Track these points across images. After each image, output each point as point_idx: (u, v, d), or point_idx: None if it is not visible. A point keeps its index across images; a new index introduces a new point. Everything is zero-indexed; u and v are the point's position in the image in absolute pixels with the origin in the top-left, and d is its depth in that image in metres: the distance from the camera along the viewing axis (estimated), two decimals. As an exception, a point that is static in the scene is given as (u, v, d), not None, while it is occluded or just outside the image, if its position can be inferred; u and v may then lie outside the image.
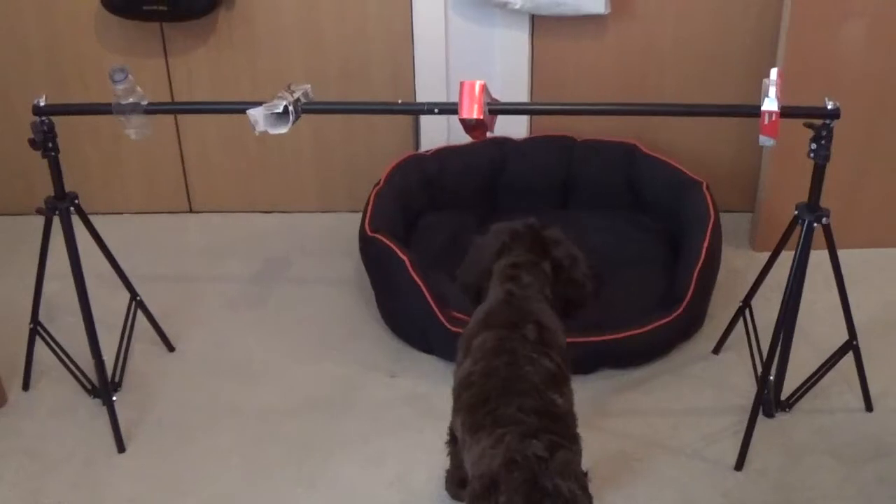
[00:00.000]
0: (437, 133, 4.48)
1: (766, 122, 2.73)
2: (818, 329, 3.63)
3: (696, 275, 3.60)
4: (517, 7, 4.11)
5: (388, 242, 3.70)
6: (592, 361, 3.53)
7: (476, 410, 2.45)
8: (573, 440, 2.41)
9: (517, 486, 2.20)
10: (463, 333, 2.78)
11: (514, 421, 2.36)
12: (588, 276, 2.95)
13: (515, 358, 2.55)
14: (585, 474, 2.36)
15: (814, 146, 2.87)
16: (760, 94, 2.75)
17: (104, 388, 3.28)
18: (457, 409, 2.60)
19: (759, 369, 3.27)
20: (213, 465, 3.18)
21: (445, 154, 4.37)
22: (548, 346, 2.63)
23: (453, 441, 2.82)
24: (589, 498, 2.29)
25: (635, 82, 4.42)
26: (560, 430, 2.38)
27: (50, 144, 3.00)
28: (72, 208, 3.14)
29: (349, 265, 4.21)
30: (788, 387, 3.33)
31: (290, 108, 2.83)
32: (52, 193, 3.12)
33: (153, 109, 2.98)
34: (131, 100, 2.93)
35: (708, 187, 3.99)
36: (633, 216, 4.25)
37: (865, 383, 3.35)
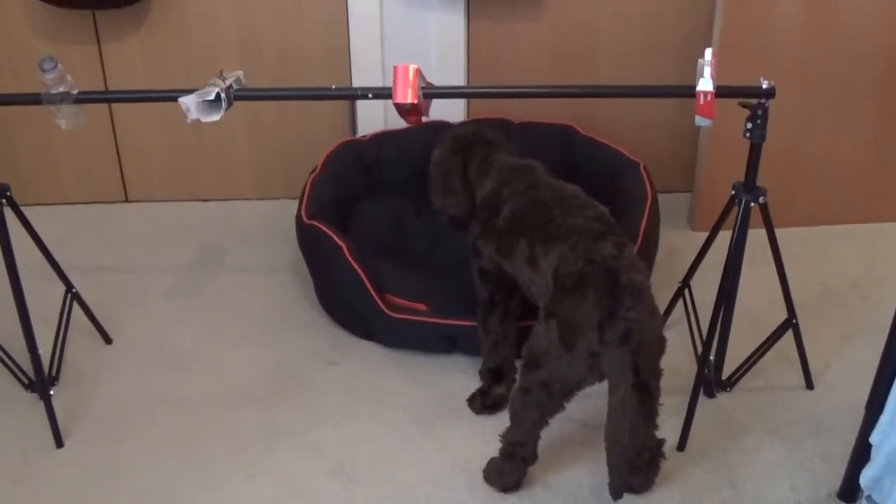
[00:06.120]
0: (374, 118, 4.47)
1: (702, 102, 2.73)
2: (758, 308, 3.65)
3: (634, 256, 3.61)
4: (452, -11, 4.11)
5: (325, 229, 3.68)
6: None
7: (546, 226, 2.87)
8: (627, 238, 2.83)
9: (601, 279, 2.61)
10: (483, 199, 3.22)
11: (583, 227, 2.80)
12: None
13: (553, 188, 3.07)
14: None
15: (749, 126, 2.88)
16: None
17: (41, 382, 3.24)
18: (515, 237, 2.99)
19: (700, 349, 3.28)
20: (153, 457, 3.15)
21: (382, 139, 4.37)
22: (561, 176, 3.19)
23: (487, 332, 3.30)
24: (649, 284, 2.71)
25: (572, 64, 4.42)
26: (618, 231, 2.83)
27: (-21, 136, 2.96)
28: (3, 200, 3.09)
29: (287, 253, 4.19)
30: (729, 366, 3.35)
31: (223, 95, 2.79)
32: (-16, 186, 3.08)
33: (83, 98, 2.93)
34: (61, 89, 2.88)
35: (645, 168, 4.00)
36: (572, 198, 4.25)
37: (805, 361, 3.37)
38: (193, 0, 4.31)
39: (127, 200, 4.78)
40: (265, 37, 4.41)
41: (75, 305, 3.57)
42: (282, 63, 4.44)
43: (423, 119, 2.92)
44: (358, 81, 4.44)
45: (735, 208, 3.05)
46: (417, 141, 4.29)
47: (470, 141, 3.34)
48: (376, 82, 4.37)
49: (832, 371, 3.47)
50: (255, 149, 4.66)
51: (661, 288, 3.74)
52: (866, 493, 2.67)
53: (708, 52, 2.75)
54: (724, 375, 3.36)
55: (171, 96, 2.84)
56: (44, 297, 3.51)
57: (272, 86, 4.29)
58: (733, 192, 3.05)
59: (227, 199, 4.76)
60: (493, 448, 2.96)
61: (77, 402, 3.38)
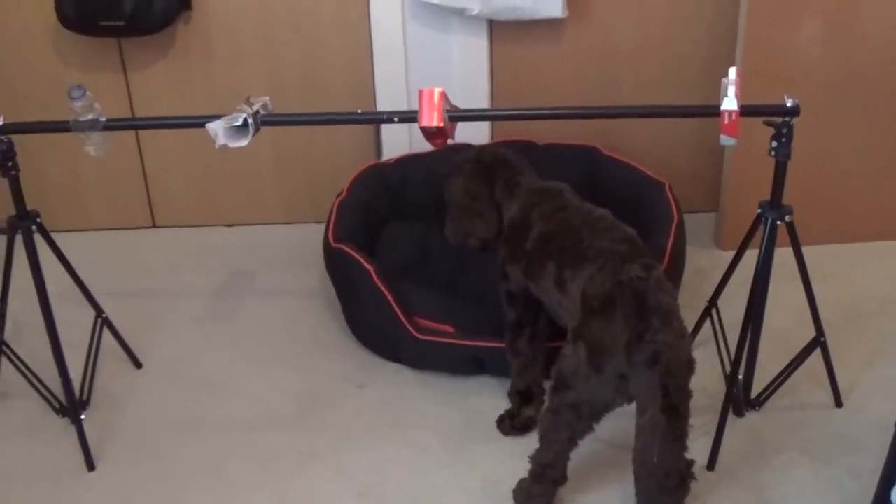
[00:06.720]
0: (399, 142, 4.49)
1: (727, 121, 2.73)
2: (785, 326, 3.64)
3: (661, 276, 3.61)
4: (475, 13, 4.12)
5: (352, 253, 3.69)
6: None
7: (574, 249, 2.89)
8: (655, 260, 2.84)
9: (628, 301, 2.61)
10: (511, 222, 3.23)
11: (610, 250, 2.80)
12: None
13: (582, 211, 3.08)
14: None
15: (775, 144, 2.88)
16: (719, 93, 2.76)
17: (72, 406, 3.25)
18: (542, 259, 3.01)
19: (728, 368, 3.28)
20: (183, 481, 3.16)
21: (407, 162, 4.38)
22: (587, 198, 3.20)
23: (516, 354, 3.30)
24: (678, 306, 2.72)
25: (594, 85, 4.43)
26: (646, 253, 2.84)
27: (10, 163, 2.97)
28: (33, 227, 3.11)
29: (314, 276, 4.20)
30: (758, 385, 3.34)
31: (250, 120, 2.81)
32: (13, 212, 3.10)
33: (112, 126, 2.95)
34: (90, 116, 2.90)
35: (671, 188, 4.00)
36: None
37: (834, 379, 3.36)
38: (217, 28, 4.34)
39: (154, 226, 4.80)
40: (289, 64, 4.43)
41: (105, 330, 3.59)
42: (306, 89, 4.46)
43: (449, 142, 2.93)
44: (382, 106, 4.45)
45: (761, 227, 3.05)
46: (443, 164, 4.29)
47: (491, 164, 3.34)
48: (400, 106, 4.38)
49: (861, 389, 3.46)
50: (281, 173, 4.68)
51: (689, 308, 3.74)
52: (897, 510, 2.67)
53: (732, 72, 2.76)
54: (753, 394, 3.35)
55: (199, 122, 2.85)
56: (74, 322, 3.52)
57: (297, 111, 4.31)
58: (759, 211, 3.05)
59: (253, 224, 4.78)
60: (522, 469, 2.96)
61: (108, 426, 3.39)
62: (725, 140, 2.78)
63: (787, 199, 3.01)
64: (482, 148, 3.42)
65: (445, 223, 3.43)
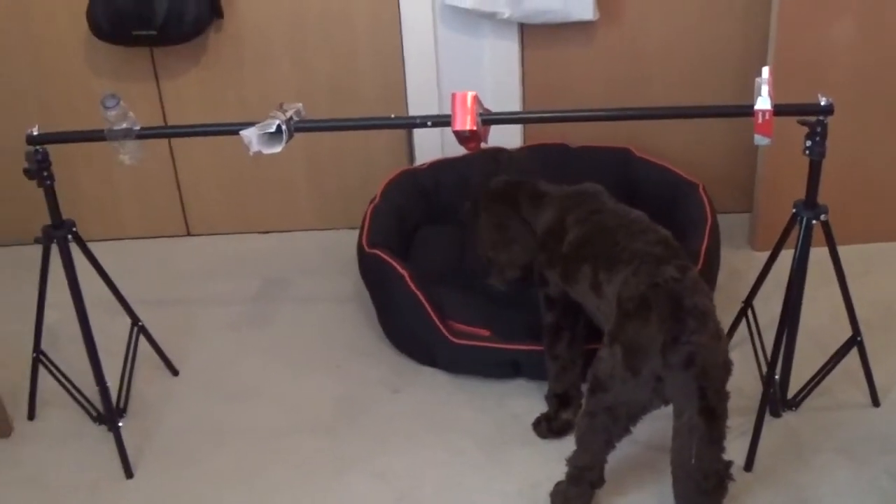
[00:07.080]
0: (431, 146, 4.49)
1: (760, 120, 2.72)
2: (821, 325, 3.63)
3: (695, 277, 3.60)
4: (506, 17, 4.12)
5: (386, 258, 3.69)
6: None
7: (610, 252, 2.88)
8: (690, 262, 2.83)
9: (663, 303, 2.61)
10: (547, 228, 3.20)
11: (645, 252, 2.80)
12: None
13: (617, 213, 3.09)
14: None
15: (809, 143, 2.86)
16: (750, 93, 2.74)
17: (109, 414, 3.27)
18: (578, 263, 2.99)
19: (764, 369, 3.26)
20: (221, 488, 3.17)
21: (440, 167, 4.38)
22: (621, 200, 3.21)
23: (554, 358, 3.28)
24: (714, 307, 2.71)
25: (626, 86, 4.42)
26: (682, 255, 2.83)
27: (45, 173, 2.99)
28: (69, 236, 3.13)
29: (348, 282, 4.21)
30: (794, 385, 3.32)
31: (283, 127, 2.82)
32: (49, 222, 3.11)
33: (146, 134, 2.97)
34: (124, 125, 2.91)
35: (704, 189, 3.99)
36: (630, 221, 4.24)
37: (871, 379, 3.34)
38: (248, 36, 4.36)
39: (188, 234, 4.82)
40: (320, 70, 4.44)
41: (141, 338, 3.60)
42: (337, 95, 4.47)
43: (482, 145, 2.93)
44: (414, 110, 4.45)
45: (796, 227, 3.03)
46: (475, 168, 4.30)
47: (507, 187, 3.36)
48: (432, 111, 4.36)
49: (898, 388, 3.45)
50: (314, 179, 4.69)
51: (724, 309, 3.72)
52: (937, 510, 2.66)
53: (765, 71, 2.74)
54: (790, 394, 3.33)
55: (233, 130, 2.86)
56: (110, 330, 3.54)
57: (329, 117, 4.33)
58: (794, 211, 3.04)
59: (287, 230, 4.79)
60: (559, 472, 2.95)
61: (145, 434, 3.41)
62: (759, 140, 2.77)
63: (821, 198, 2.99)
64: (489, 178, 3.42)
65: (484, 272, 3.45)
